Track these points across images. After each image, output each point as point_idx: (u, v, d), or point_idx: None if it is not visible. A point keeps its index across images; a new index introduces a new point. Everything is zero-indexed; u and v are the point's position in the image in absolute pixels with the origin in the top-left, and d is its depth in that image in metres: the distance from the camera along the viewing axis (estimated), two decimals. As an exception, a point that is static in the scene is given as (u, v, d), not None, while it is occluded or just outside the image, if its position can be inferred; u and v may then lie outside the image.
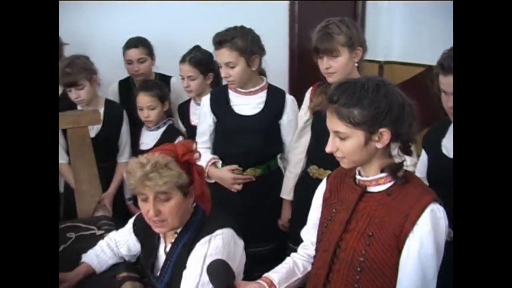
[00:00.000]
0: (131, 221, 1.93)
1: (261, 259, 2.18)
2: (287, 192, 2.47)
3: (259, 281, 1.55)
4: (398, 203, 1.38)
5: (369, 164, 1.44)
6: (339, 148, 1.42)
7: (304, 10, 3.92)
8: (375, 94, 1.35)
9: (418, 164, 2.12)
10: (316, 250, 1.59)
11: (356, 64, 2.16)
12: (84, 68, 2.66)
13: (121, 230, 1.96)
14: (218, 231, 1.65)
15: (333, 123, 1.41)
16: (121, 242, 1.93)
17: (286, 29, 3.97)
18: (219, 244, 1.62)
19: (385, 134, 1.37)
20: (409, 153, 1.46)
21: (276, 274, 1.58)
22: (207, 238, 1.63)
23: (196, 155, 1.67)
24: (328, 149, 1.45)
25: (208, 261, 1.57)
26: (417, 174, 2.11)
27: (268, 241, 2.47)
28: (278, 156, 2.60)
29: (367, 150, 1.40)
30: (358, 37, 2.12)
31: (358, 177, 1.49)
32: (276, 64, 3.86)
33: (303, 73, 3.94)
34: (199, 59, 2.72)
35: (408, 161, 1.49)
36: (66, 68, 2.62)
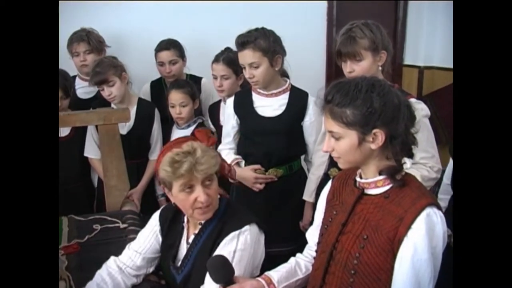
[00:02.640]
0: (155, 217, 1.91)
1: (282, 260, 2.20)
2: (309, 194, 2.48)
3: (258, 278, 1.56)
4: (394, 206, 1.36)
5: (367, 166, 1.43)
6: (334, 148, 1.42)
7: (342, 12, 3.87)
8: (369, 94, 1.33)
9: (446, 171, 2.09)
10: (316, 251, 1.59)
11: (380, 68, 2.14)
12: (112, 65, 2.76)
13: (140, 236, 1.91)
14: (246, 227, 1.68)
15: (328, 123, 1.40)
16: (143, 248, 1.87)
17: (324, 31, 3.92)
18: (247, 240, 1.66)
19: (379, 135, 1.35)
20: (410, 155, 1.43)
21: (276, 273, 1.59)
22: (236, 233, 1.67)
23: (214, 138, 1.73)
24: (324, 148, 1.46)
25: (237, 256, 1.62)
26: (445, 180, 2.09)
27: (290, 242, 2.47)
28: (302, 157, 2.61)
29: (362, 151, 1.38)
30: (382, 41, 2.09)
31: (358, 179, 1.48)
32: (313, 66, 3.89)
33: (341, 76, 3.89)
34: (232, 59, 2.73)
35: (408, 164, 1.46)
36: (95, 68, 2.74)
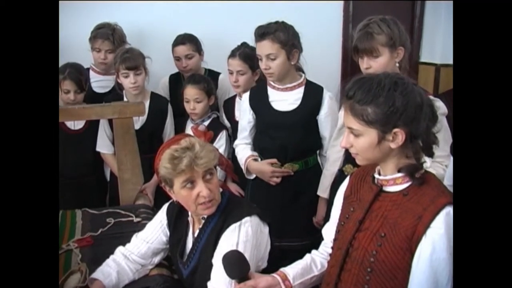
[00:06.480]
0: (163, 211, 1.93)
1: (295, 254, 2.19)
2: (323, 189, 2.47)
3: (273, 274, 1.55)
4: (413, 204, 1.34)
5: (385, 163, 1.41)
6: (353, 145, 1.40)
7: (359, 10, 3.84)
8: (392, 92, 1.31)
9: (447, 170, 2.06)
10: (332, 248, 1.57)
11: (397, 64, 2.12)
12: (141, 55, 2.78)
13: (148, 227, 1.94)
14: (247, 218, 1.68)
15: (348, 119, 1.38)
16: (150, 238, 1.90)
17: (340, 29, 3.90)
18: (249, 232, 1.66)
19: (400, 135, 1.33)
20: (430, 154, 1.41)
21: (291, 269, 1.58)
22: (236, 224, 1.67)
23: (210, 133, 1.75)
24: (342, 144, 1.44)
25: (240, 248, 1.61)
26: (446, 182, 2.06)
27: (303, 237, 2.49)
28: (318, 152, 2.60)
29: (381, 149, 1.36)
30: (399, 37, 2.07)
31: (376, 176, 1.46)
32: (329, 63, 3.87)
33: (357, 72, 3.86)
34: (248, 54, 2.73)
35: (428, 163, 1.43)
36: (125, 54, 2.73)
